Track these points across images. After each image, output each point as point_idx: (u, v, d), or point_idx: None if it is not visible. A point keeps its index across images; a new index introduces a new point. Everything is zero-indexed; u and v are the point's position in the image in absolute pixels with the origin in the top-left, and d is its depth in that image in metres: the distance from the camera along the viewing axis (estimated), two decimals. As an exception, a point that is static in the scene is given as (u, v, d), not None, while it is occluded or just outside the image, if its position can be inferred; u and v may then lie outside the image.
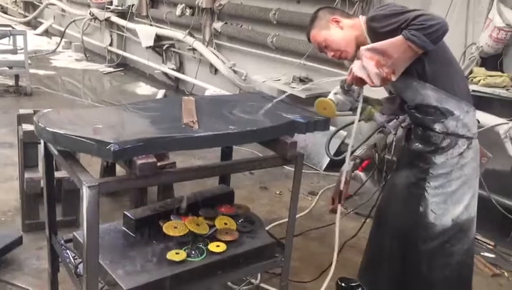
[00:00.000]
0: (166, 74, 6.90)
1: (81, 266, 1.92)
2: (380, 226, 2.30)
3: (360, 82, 1.92)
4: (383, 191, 2.35)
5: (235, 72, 5.64)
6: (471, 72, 3.27)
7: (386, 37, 1.83)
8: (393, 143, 2.39)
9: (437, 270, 2.09)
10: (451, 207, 2.02)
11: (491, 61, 3.33)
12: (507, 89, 3.07)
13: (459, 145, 1.98)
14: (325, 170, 4.32)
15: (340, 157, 3.17)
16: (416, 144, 2.06)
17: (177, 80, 6.85)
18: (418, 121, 2.04)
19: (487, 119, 3.06)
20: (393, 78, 1.86)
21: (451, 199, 2.02)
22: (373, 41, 1.93)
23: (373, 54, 1.82)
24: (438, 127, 1.98)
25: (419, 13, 1.76)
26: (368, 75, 1.84)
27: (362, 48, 1.87)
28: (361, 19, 2.02)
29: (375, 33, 1.91)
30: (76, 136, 1.61)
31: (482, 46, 3.27)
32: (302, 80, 4.71)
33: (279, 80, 4.85)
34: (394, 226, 2.18)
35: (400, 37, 1.77)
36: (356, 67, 1.89)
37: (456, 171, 2.00)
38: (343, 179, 2.19)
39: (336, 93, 2.13)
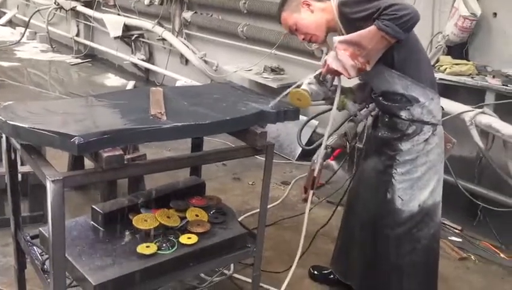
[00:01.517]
0: (136, 65, 6.78)
1: (48, 262, 1.88)
2: (351, 214, 2.33)
3: (336, 73, 1.94)
4: (353, 180, 2.38)
5: (206, 62, 5.59)
6: (437, 61, 3.33)
7: (357, 23, 1.84)
8: (365, 132, 2.42)
9: (405, 255, 2.13)
10: (417, 192, 2.06)
11: (456, 49, 3.39)
12: (472, 77, 3.13)
13: (424, 131, 2.02)
14: (297, 160, 4.34)
15: (312, 147, 3.19)
16: (383, 132, 2.08)
17: (147, 70, 6.73)
18: (385, 108, 2.07)
19: (453, 106, 3.12)
20: (368, 68, 1.88)
21: (418, 184, 2.06)
22: (345, 26, 1.94)
23: (347, 45, 1.84)
24: (403, 114, 2.01)
25: (391, 2, 1.77)
26: (344, 67, 1.86)
27: (335, 40, 1.87)
28: (333, 3, 2.00)
29: (347, 18, 1.92)
30: (39, 129, 1.56)
31: (448, 35, 3.32)
32: (273, 70, 4.70)
33: (250, 70, 4.83)
34: (363, 214, 2.21)
35: (372, 28, 1.79)
36: (331, 59, 1.90)
37: (422, 157, 2.04)
38: (317, 167, 2.19)
39: (309, 84, 2.13)
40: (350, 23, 1.89)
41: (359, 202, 2.24)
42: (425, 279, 2.22)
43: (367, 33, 1.80)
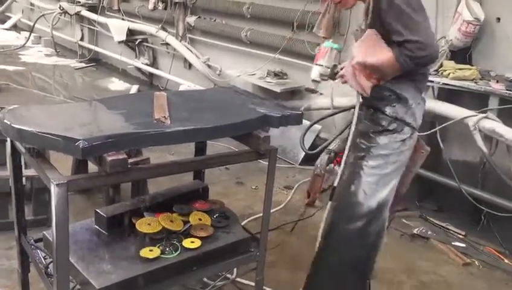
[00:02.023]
0: (139, 69, 6.81)
1: (51, 266, 1.89)
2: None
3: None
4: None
5: (209, 66, 5.60)
6: (441, 66, 3.33)
7: (384, 24, 1.89)
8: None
9: (353, 251, 2.13)
10: (380, 189, 2.07)
11: (460, 54, 3.39)
12: (476, 82, 3.13)
13: (404, 131, 2.04)
14: (300, 164, 4.34)
15: (315, 151, 3.19)
16: (364, 125, 2.09)
17: (151, 75, 6.76)
18: (371, 103, 2.08)
19: (457, 111, 3.12)
20: (382, 83, 1.98)
21: (383, 180, 2.07)
22: (372, 12, 1.96)
23: (364, 67, 1.94)
24: (388, 110, 2.03)
25: (417, 38, 1.82)
26: (362, 88, 1.98)
27: (354, 59, 1.95)
28: None
29: (376, 8, 1.94)
30: (44, 133, 1.57)
31: (451, 40, 3.32)
32: (276, 74, 4.70)
33: (253, 74, 4.84)
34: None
35: (391, 57, 1.87)
36: (349, 76, 1.99)
37: (394, 156, 2.05)
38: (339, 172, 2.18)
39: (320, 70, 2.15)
40: (377, 15, 1.93)
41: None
42: (364, 276, 2.19)
43: (386, 61, 1.89)
